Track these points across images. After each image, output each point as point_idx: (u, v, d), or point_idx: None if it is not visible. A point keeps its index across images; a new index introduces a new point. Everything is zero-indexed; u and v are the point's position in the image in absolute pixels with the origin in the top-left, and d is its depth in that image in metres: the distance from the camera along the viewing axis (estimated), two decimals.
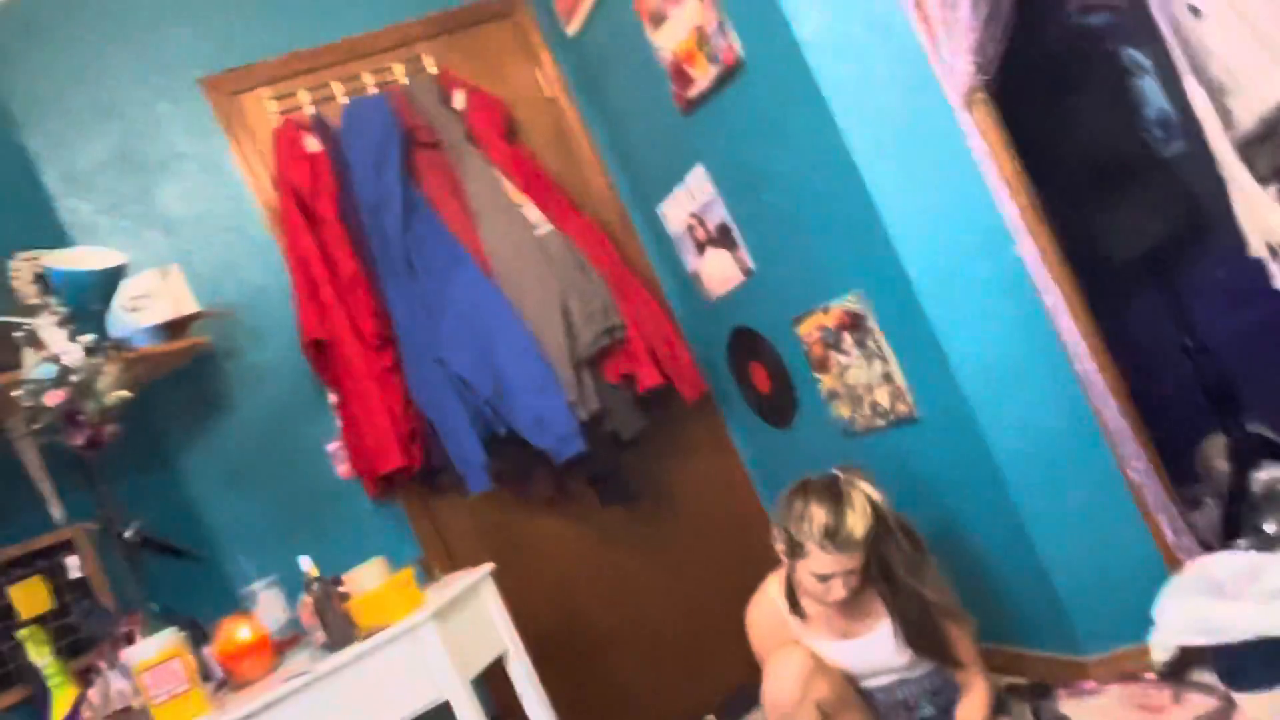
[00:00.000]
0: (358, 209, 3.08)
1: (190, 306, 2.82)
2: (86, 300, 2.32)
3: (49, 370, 2.12)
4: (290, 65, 3.23)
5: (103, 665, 2.16)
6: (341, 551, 2.54)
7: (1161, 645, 2.15)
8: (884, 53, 2.44)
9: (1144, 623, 2.17)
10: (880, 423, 2.72)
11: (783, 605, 2.38)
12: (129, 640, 2.20)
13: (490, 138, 3.23)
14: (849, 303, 2.64)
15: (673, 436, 3.40)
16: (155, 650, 2.00)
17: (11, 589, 2.38)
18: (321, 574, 2.19)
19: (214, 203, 3.13)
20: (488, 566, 2.48)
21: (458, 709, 2.13)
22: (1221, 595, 2.06)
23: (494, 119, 3.28)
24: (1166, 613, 2.12)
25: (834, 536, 2.17)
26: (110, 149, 3.05)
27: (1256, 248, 2.18)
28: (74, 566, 2.51)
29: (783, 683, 2.25)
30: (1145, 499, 2.40)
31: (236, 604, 2.46)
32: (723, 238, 3.06)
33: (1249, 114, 2.12)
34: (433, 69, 3.33)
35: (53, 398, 2.12)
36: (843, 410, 2.85)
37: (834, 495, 2.22)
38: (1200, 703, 2.09)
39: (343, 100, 3.21)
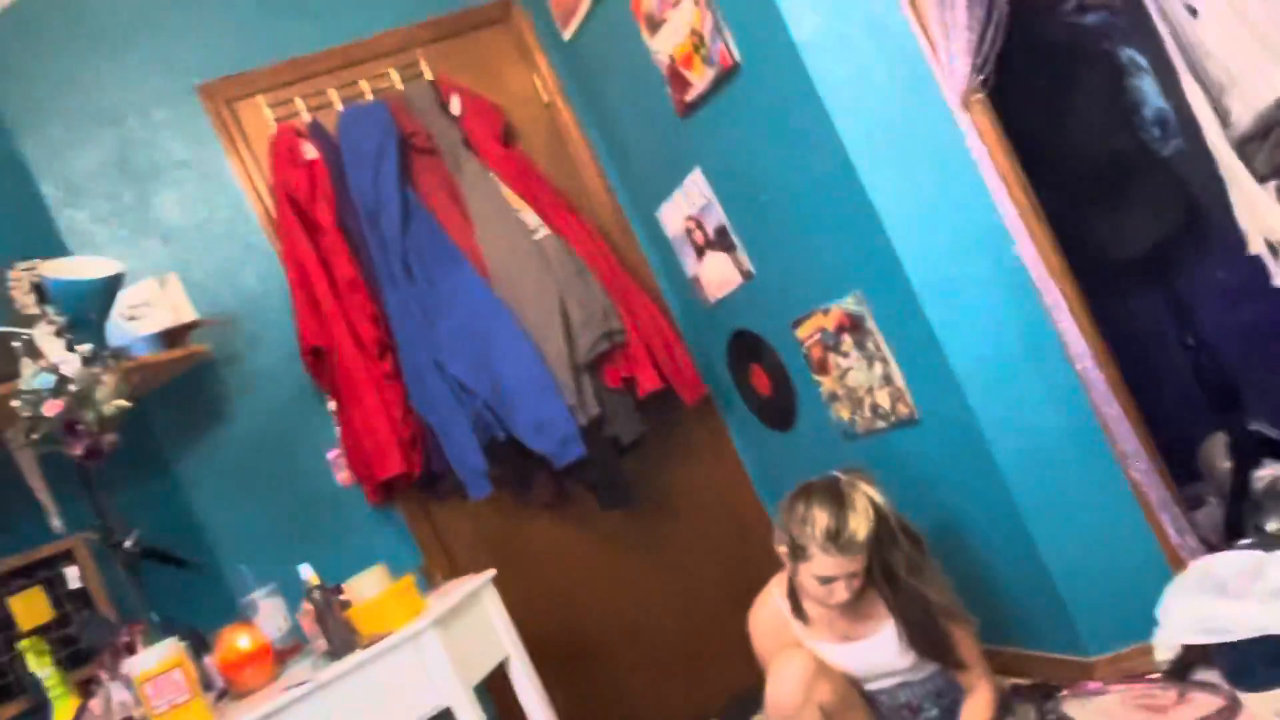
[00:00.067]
0: (355, 215, 3.08)
1: (188, 315, 2.82)
2: (84, 309, 2.31)
3: (47, 380, 2.12)
4: (287, 72, 3.23)
5: (104, 676, 2.15)
6: (342, 559, 2.53)
7: (1165, 645, 2.16)
8: (881, 54, 2.44)
9: (1148, 622, 2.17)
10: (881, 424, 2.72)
11: (785, 608, 2.38)
12: (130, 650, 2.19)
13: (487, 143, 3.23)
14: (848, 304, 2.63)
15: (673, 440, 3.39)
16: (156, 660, 1.99)
17: (11, 600, 2.38)
18: (322, 582, 2.20)
19: (211, 210, 3.12)
20: (489, 573, 2.48)
21: (460, 716, 2.13)
22: (1225, 594, 2.06)
23: (491, 124, 3.28)
24: (1170, 612, 2.12)
25: (836, 539, 2.17)
26: (107, 157, 3.05)
27: (1255, 245, 2.19)
28: (74, 577, 2.51)
29: (785, 686, 2.24)
30: (1147, 498, 2.40)
31: (237, 613, 2.44)
32: (721, 240, 3.06)
33: (1247, 112, 2.13)
34: (429, 75, 3.33)
35: (51, 407, 2.12)
36: (843, 412, 2.84)
37: (836, 498, 2.22)
38: (1205, 702, 2.08)
39: (339, 107, 3.21)
